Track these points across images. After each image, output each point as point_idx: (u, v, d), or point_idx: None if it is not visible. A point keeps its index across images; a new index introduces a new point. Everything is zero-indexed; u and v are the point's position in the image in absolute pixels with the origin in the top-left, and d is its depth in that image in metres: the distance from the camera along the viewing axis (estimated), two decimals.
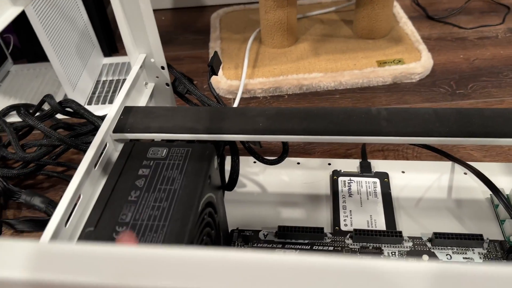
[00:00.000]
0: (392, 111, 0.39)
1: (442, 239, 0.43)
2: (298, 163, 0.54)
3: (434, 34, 0.84)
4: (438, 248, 0.43)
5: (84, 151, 0.53)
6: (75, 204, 0.34)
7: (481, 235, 0.43)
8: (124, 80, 0.77)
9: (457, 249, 0.43)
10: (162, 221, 0.31)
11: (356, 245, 0.44)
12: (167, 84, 0.50)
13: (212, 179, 0.37)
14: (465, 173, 0.51)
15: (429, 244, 0.43)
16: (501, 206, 0.45)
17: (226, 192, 0.46)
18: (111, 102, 0.73)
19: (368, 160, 0.53)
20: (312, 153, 0.60)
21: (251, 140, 0.40)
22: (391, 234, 0.43)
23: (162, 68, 0.48)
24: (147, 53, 0.47)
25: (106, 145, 0.39)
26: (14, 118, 0.66)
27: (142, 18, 0.43)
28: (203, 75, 0.79)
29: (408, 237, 0.44)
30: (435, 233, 0.43)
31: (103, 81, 0.79)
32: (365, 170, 0.51)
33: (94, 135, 0.56)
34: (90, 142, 0.52)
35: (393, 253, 0.43)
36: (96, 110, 0.68)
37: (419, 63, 0.73)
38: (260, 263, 0.14)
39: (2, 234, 0.54)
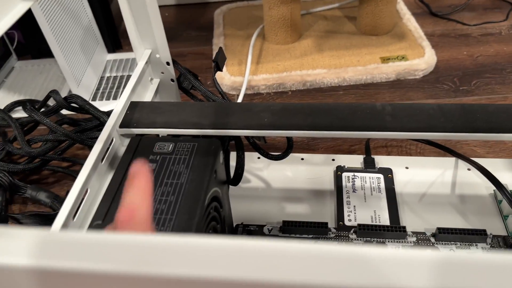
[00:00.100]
0: (397, 107, 0.39)
1: (446, 234, 0.43)
2: (302, 159, 0.55)
3: (438, 31, 0.84)
4: (442, 243, 0.43)
5: (90, 146, 0.53)
6: (83, 198, 0.34)
7: (484, 230, 0.43)
8: (128, 76, 0.78)
9: (460, 244, 0.43)
10: (169, 215, 0.31)
11: (360, 240, 0.44)
12: (172, 80, 0.50)
13: (217, 174, 0.37)
14: (469, 169, 0.51)
15: (432, 239, 0.44)
16: (504, 202, 0.45)
17: (230, 187, 0.47)
18: (115, 98, 0.74)
19: (372, 156, 0.53)
20: (315, 149, 0.61)
21: (256, 135, 0.40)
22: (395, 229, 0.44)
23: (167, 63, 0.48)
24: (152, 49, 0.47)
25: (112, 140, 0.39)
26: (19, 113, 0.67)
27: (148, 13, 0.44)
28: (206, 71, 0.79)
29: (411, 232, 0.44)
30: (438, 228, 0.43)
31: (107, 77, 0.79)
32: (369, 166, 0.52)
33: (100, 130, 0.56)
34: (96, 138, 0.53)
35: (397, 248, 0.43)
36: (100, 106, 0.68)
37: (423, 60, 0.73)
38: (265, 250, 0.14)
39: None
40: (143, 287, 0.14)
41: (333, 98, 0.70)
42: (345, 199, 0.48)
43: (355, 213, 0.47)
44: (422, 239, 0.44)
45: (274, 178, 0.52)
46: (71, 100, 0.51)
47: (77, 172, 0.59)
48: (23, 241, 0.15)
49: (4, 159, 0.59)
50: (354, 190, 0.49)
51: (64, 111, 0.55)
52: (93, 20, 0.78)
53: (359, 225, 0.44)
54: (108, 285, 0.15)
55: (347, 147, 0.60)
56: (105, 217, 0.31)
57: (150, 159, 0.36)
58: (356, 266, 0.13)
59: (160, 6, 0.44)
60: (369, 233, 0.44)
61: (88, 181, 0.35)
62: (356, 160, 0.53)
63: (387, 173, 0.51)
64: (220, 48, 0.47)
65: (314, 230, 0.45)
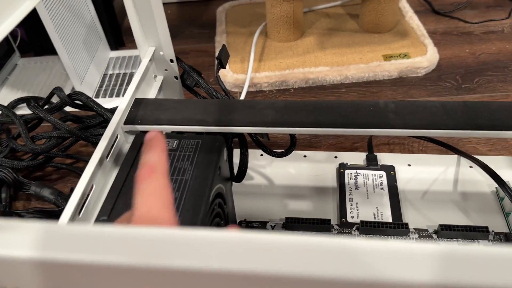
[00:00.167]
0: (400, 104, 0.39)
1: (448, 231, 0.43)
2: (305, 156, 0.55)
3: (440, 29, 0.84)
4: (444, 240, 0.44)
5: (94, 143, 0.53)
6: (88, 194, 0.35)
7: (486, 227, 0.43)
8: (131, 73, 0.78)
9: (462, 241, 0.43)
10: None
11: (363, 236, 0.45)
12: (176, 77, 0.50)
13: (221, 171, 0.37)
14: (471, 167, 0.51)
15: (435, 236, 0.44)
16: (506, 199, 0.45)
17: (234, 184, 0.47)
18: (118, 95, 0.74)
19: (374, 153, 0.53)
20: (318, 146, 0.61)
21: (260, 132, 0.41)
22: (397, 226, 0.44)
23: (171, 61, 0.48)
24: (156, 46, 0.47)
25: (117, 136, 0.39)
26: (22, 110, 0.67)
27: (152, 11, 0.44)
28: (209, 68, 0.79)
29: (414, 229, 0.45)
30: (441, 225, 0.43)
31: (110, 74, 0.79)
32: (371, 163, 0.52)
33: (103, 127, 0.57)
34: (99, 135, 0.53)
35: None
36: (103, 103, 0.68)
37: (425, 58, 0.73)
38: (266, 243, 0.14)
39: None
40: (152, 279, 0.15)
41: (335, 96, 0.70)
42: (347, 196, 0.49)
43: (357, 210, 0.47)
44: (424, 236, 0.44)
45: (277, 175, 0.53)
46: (75, 97, 0.51)
47: (80, 169, 0.60)
48: (32, 234, 0.15)
49: (8, 155, 0.60)
50: (356, 187, 0.49)
51: (68, 108, 0.56)
52: (96, 17, 0.79)
53: (362, 222, 0.44)
54: (116, 277, 0.15)
55: (349, 145, 0.60)
56: (110, 213, 0.32)
57: None
58: (354, 258, 0.14)
59: (162, 4, 0.44)
60: (371, 229, 0.44)
61: (94, 177, 0.35)
62: (359, 158, 0.54)
63: (390, 170, 0.51)
64: (224, 45, 0.47)
65: (317, 227, 0.45)
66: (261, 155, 0.55)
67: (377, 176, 0.50)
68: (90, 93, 0.74)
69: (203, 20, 0.95)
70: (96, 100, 0.73)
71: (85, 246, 0.15)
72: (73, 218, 0.32)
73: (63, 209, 0.32)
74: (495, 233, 0.43)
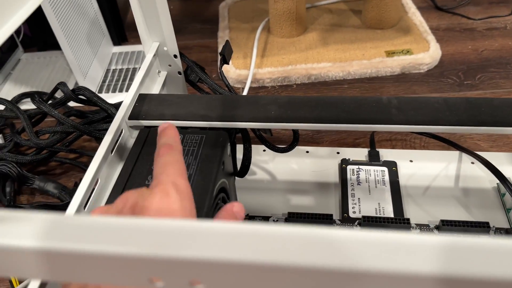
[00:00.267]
0: (403, 100, 0.39)
1: (449, 227, 0.43)
2: (307, 152, 0.55)
3: (443, 25, 0.84)
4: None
5: (97, 138, 0.54)
6: (93, 188, 0.35)
7: (487, 223, 0.43)
8: (134, 69, 0.78)
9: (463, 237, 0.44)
10: None
11: None
12: (179, 73, 0.50)
13: (225, 165, 0.38)
14: (472, 163, 0.52)
15: (436, 231, 0.44)
16: (507, 195, 0.46)
17: (236, 179, 0.47)
18: (121, 90, 0.74)
19: (377, 149, 0.53)
20: (320, 142, 0.61)
21: (263, 127, 0.41)
22: (399, 221, 0.44)
23: (175, 56, 0.49)
24: (160, 42, 0.48)
25: (122, 131, 0.40)
26: (26, 105, 0.67)
27: (156, 6, 0.44)
28: (211, 64, 0.79)
29: (415, 224, 0.45)
30: (442, 221, 0.44)
31: (113, 70, 0.79)
32: (373, 159, 0.52)
33: (107, 122, 0.57)
34: (103, 129, 0.54)
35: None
36: (106, 98, 0.68)
37: (428, 54, 0.73)
38: (268, 233, 0.14)
39: None
40: (159, 270, 0.15)
41: (338, 92, 0.70)
42: (349, 192, 0.49)
43: (359, 205, 0.48)
44: (425, 231, 0.44)
45: (279, 171, 0.53)
46: (79, 92, 0.51)
47: (84, 164, 0.60)
48: (39, 224, 0.15)
49: (12, 150, 0.60)
50: (358, 183, 0.50)
51: (71, 103, 0.56)
52: (99, 12, 0.79)
53: (364, 217, 0.45)
54: (123, 267, 0.15)
55: (351, 141, 0.61)
56: None
57: None
58: (353, 249, 0.14)
59: None
60: (373, 225, 0.44)
61: (99, 171, 0.36)
62: (361, 153, 0.54)
63: (392, 166, 0.51)
64: (227, 41, 0.47)
65: (319, 222, 0.45)
66: (264, 150, 0.55)
67: (379, 172, 0.51)
68: (93, 88, 0.74)
69: (206, 16, 0.95)
70: (100, 95, 0.73)
71: (92, 236, 0.15)
72: (78, 211, 0.32)
73: (67, 203, 0.32)
74: (496, 229, 0.44)
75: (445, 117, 0.37)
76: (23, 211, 0.16)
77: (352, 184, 0.50)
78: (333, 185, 0.51)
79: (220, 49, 0.45)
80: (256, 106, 0.40)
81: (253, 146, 0.45)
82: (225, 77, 0.46)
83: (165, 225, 0.15)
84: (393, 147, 0.59)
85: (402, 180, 0.50)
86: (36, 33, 0.83)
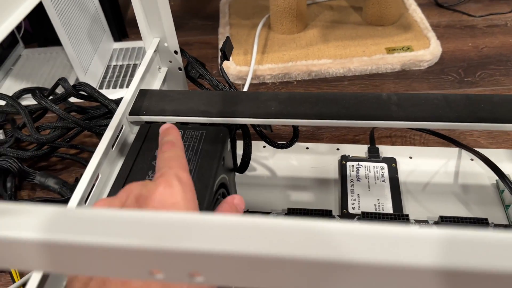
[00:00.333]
0: (402, 97, 0.39)
1: (448, 223, 0.44)
2: (307, 148, 0.55)
3: (443, 22, 0.84)
4: None
5: (98, 134, 0.54)
6: (94, 183, 0.35)
7: (486, 219, 0.44)
8: (134, 65, 0.78)
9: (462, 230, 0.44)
10: None
11: None
12: (180, 69, 0.50)
13: (225, 161, 0.38)
14: (472, 159, 0.52)
15: (435, 227, 0.44)
16: (506, 192, 0.46)
17: (237, 175, 0.47)
18: (121, 86, 0.74)
19: (376, 146, 0.54)
20: (320, 138, 0.61)
21: (263, 123, 0.41)
22: (398, 217, 0.44)
23: (175, 52, 0.49)
24: (160, 38, 0.48)
25: (122, 127, 0.40)
26: (27, 101, 0.67)
27: (157, 2, 0.44)
28: (212, 60, 0.80)
29: (414, 220, 0.45)
30: (441, 217, 0.44)
31: (113, 65, 0.79)
32: (373, 155, 0.52)
33: (108, 118, 0.57)
34: (104, 125, 0.54)
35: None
36: (107, 94, 0.68)
37: (428, 51, 0.73)
38: (268, 226, 0.15)
39: None
40: (161, 262, 0.15)
41: (338, 88, 0.71)
42: (349, 188, 0.49)
43: (359, 201, 0.48)
44: (424, 227, 0.44)
45: (279, 167, 0.53)
46: (80, 88, 0.51)
47: (85, 159, 0.60)
48: (42, 216, 0.15)
49: (13, 145, 0.60)
50: (358, 179, 0.50)
51: (72, 99, 0.56)
52: (100, 8, 0.79)
53: (363, 213, 0.45)
54: (125, 259, 0.15)
55: (351, 137, 0.61)
56: None
57: None
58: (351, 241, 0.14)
59: None
60: (372, 221, 0.45)
61: (100, 166, 0.36)
62: (361, 150, 0.54)
63: (391, 162, 0.51)
64: (228, 37, 0.48)
65: (319, 218, 0.45)
66: (264, 146, 0.55)
67: (379, 168, 0.51)
68: (94, 84, 0.74)
69: (206, 12, 0.95)
70: (100, 91, 0.73)
71: (93, 228, 0.15)
72: (80, 205, 0.33)
73: (67, 198, 0.33)
74: (494, 225, 0.44)
75: (444, 114, 0.38)
76: (25, 203, 0.16)
77: (351, 180, 0.50)
78: (333, 181, 0.51)
79: (220, 45, 0.45)
80: (256, 102, 0.41)
81: (253, 142, 0.45)
82: (225, 73, 0.46)
83: (165, 218, 0.15)
84: (392, 144, 0.59)
85: (402, 177, 0.50)
86: (37, 29, 0.83)
